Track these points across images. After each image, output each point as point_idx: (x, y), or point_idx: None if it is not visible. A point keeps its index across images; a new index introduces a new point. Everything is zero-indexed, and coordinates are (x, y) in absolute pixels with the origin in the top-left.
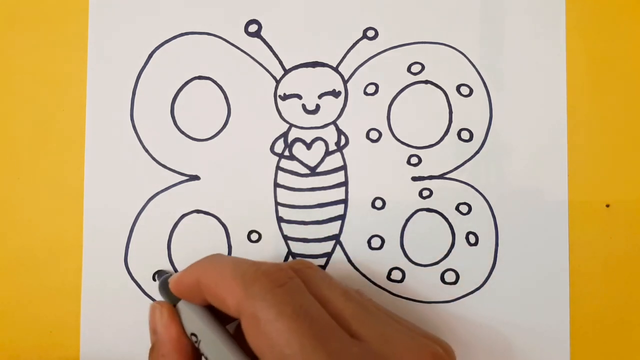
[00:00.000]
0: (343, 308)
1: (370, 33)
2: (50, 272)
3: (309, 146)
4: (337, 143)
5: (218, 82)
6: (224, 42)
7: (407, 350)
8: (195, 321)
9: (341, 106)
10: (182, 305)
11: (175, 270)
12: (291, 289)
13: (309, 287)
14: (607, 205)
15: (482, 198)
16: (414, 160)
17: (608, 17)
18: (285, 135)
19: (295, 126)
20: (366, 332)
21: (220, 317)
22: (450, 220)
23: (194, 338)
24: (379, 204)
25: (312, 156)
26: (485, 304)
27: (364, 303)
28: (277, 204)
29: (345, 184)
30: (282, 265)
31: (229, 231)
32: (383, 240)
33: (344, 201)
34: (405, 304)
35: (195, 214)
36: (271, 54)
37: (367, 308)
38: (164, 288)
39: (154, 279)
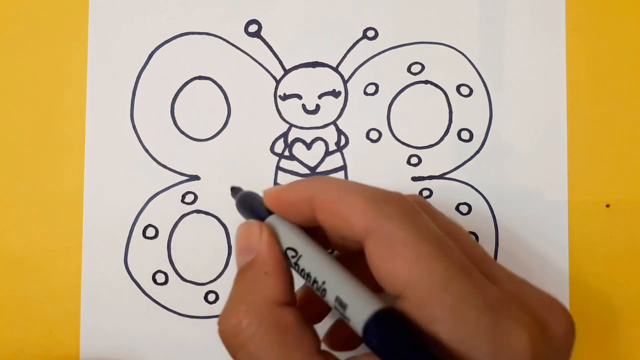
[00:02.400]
0: (473, 247)
1: (370, 33)
2: (50, 272)
3: (309, 146)
4: (337, 143)
5: (218, 82)
6: (224, 42)
7: (539, 298)
8: (292, 236)
9: (341, 106)
10: (274, 221)
11: (175, 271)
12: (425, 218)
13: (437, 222)
14: (607, 205)
15: (482, 198)
16: (414, 160)
17: (608, 17)
18: (285, 135)
19: (295, 126)
20: (498, 274)
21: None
22: None
23: (291, 253)
24: None
25: (312, 156)
26: None
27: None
28: None
29: None
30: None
31: (229, 231)
32: None
33: None
34: None
35: (195, 214)
36: (271, 54)
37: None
38: (249, 202)
39: (232, 196)
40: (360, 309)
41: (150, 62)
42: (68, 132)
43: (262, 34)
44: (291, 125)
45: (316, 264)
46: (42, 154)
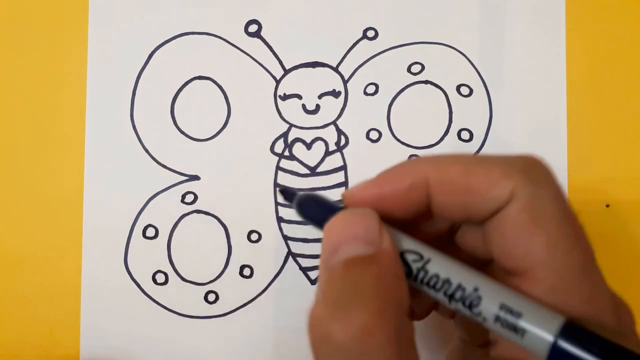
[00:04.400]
0: None
1: (370, 33)
2: (50, 272)
3: (309, 146)
4: (337, 143)
5: (218, 82)
6: (224, 42)
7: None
8: (405, 238)
9: (341, 106)
10: None
11: (175, 271)
12: (564, 192)
13: None
14: (607, 205)
15: None
16: None
17: (608, 17)
18: (285, 135)
19: (295, 126)
20: None
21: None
22: None
23: (412, 257)
24: None
25: (312, 156)
26: None
27: None
28: (277, 204)
29: (345, 184)
30: None
31: (229, 231)
32: None
33: None
34: None
35: (195, 214)
36: (271, 54)
37: None
38: (317, 203)
39: (284, 196)
40: (541, 322)
41: (150, 62)
42: (68, 132)
43: (262, 34)
44: (291, 125)
45: (454, 268)
46: (42, 154)
